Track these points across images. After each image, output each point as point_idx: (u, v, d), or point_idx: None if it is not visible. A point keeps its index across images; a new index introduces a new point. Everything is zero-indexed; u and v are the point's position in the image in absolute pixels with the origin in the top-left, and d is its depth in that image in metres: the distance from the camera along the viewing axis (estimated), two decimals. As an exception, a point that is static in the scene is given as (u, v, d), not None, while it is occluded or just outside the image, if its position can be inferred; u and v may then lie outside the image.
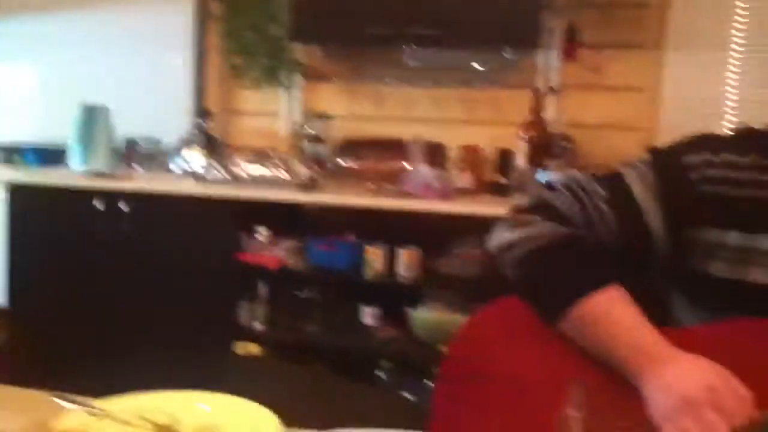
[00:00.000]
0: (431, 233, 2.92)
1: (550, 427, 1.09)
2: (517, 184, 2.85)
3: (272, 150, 3.18)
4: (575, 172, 1.27)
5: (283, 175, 2.98)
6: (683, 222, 1.15)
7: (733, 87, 2.91)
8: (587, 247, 1.17)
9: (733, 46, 2.91)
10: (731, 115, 2.89)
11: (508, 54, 3.10)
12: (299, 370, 2.86)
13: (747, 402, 0.98)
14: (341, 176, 3.13)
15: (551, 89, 3.02)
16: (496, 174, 2.99)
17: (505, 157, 2.98)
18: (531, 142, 2.86)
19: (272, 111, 3.47)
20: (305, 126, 3.28)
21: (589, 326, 1.10)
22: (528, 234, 1.19)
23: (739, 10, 2.90)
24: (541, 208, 1.21)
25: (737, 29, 2.91)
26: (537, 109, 2.91)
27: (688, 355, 1.03)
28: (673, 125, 2.88)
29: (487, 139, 3.10)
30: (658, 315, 1.17)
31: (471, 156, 3.04)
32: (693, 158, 1.16)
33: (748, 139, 1.18)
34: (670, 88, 2.98)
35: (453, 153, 3.11)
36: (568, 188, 1.22)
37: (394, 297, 3.01)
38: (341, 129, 3.29)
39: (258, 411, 1.05)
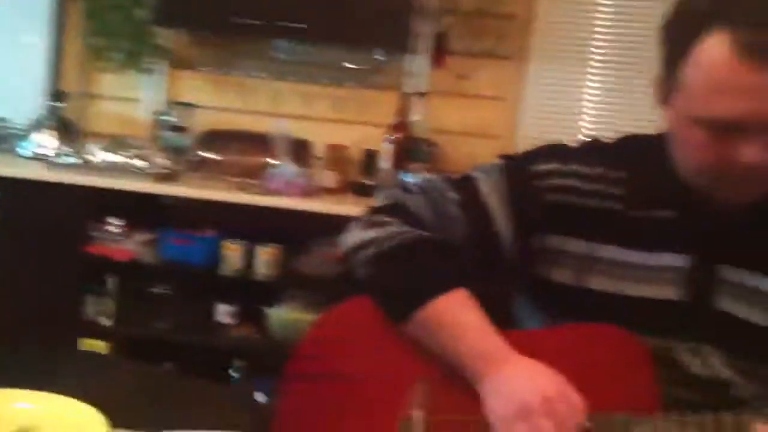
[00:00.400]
0: (292, 231, 2.88)
1: (394, 426, 1.09)
2: (380, 186, 2.85)
3: (130, 138, 3.04)
4: (431, 176, 1.27)
5: (139, 163, 2.85)
6: (530, 228, 1.17)
7: (590, 99, 3.04)
8: (437, 250, 1.17)
9: (592, 59, 3.04)
10: (588, 126, 3.01)
11: (378, 55, 3.10)
12: (146, 369, 2.74)
13: (579, 409, 0.99)
14: (202, 168, 3.03)
15: (418, 93, 3.04)
16: (360, 174, 2.99)
17: (370, 158, 2.98)
18: (396, 144, 2.87)
19: (133, 97, 3.31)
20: (166, 114, 3.15)
21: (434, 329, 1.10)
22: (379, 235, 1.18)
23: (598, 26, 3.03)
24: (395, 210, 1.21)
25: (596, 44, 3.03)
26: (403, 112, 2.92)
27: (526, 359, 1.05)
28: (532, 135, 2.98)
29: (354, 138, 3.09)
30: (504, 317, 1.18)
31: (337, 155, 3.02)
32: (542, 167, 1.18)
33: (596, 151, 1.21)
34: (531, 98, 3.08)
35: (319, 151, 3.08)
36: (423, 191, 1.22)
37: (251, 295, 2.95)
38: (205, 120, 3.17)
39: (84, 410, 1.00)
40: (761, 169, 1.00)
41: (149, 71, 3.26)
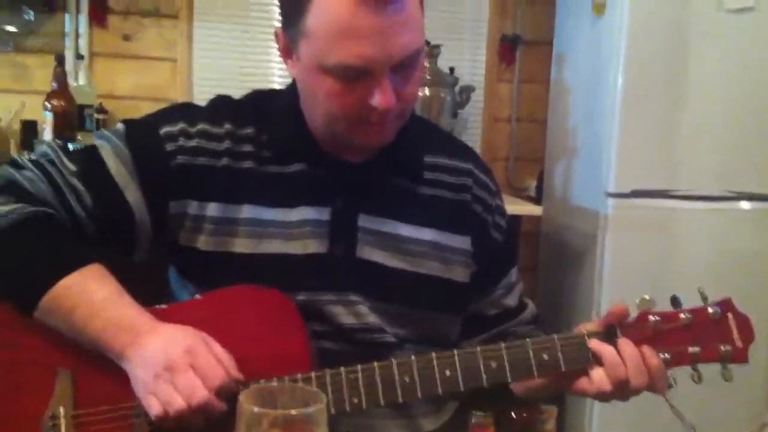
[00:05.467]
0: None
1: (36, 425, 0.99)
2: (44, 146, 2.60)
3: None
4: (45, 146, 1.14)
5: None
6: (163, 195, 1.12)
7: (252, 58, 3.01)
8: (58, 226, 1.07)
9: (252, 18, 3.00)
10: (257, 86, 2.96)
11: (28, 15, 2.81)
12: None
13: (225, 362, 0.97)
14: None
15: (78, 55, 2.81)
16: (19, 149, 2.71)
17: (29, 130, 2.71)
18: (57, 112, 2.64)
19: None
20: None
21: (65, 310, 1.01)
22: None
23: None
24: (5, 190, 1.08)
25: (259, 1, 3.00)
26: (62, 76, 2.68)
27: (169, 325, 1.00)
28: (209, 95, 2.88)
29: (9, 109, 2.79)
30: (153, 293, 1.12)
31: (-12, 128, 2.70)
32: (169, 129, 1.13)
33: (224, 108, 1.18)
34: (201, 59, 2.99)
35: (-32, 125, 2.74)
36: (37, 165, 1.10)
37: None
38: None
39: None
40: (392, 112, 1.04)
41: None
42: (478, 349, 1.03)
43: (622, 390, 1.02)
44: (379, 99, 1.02)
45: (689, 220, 2.66)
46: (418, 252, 1.16)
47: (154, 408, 0.94)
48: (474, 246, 1.20)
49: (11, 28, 2.83)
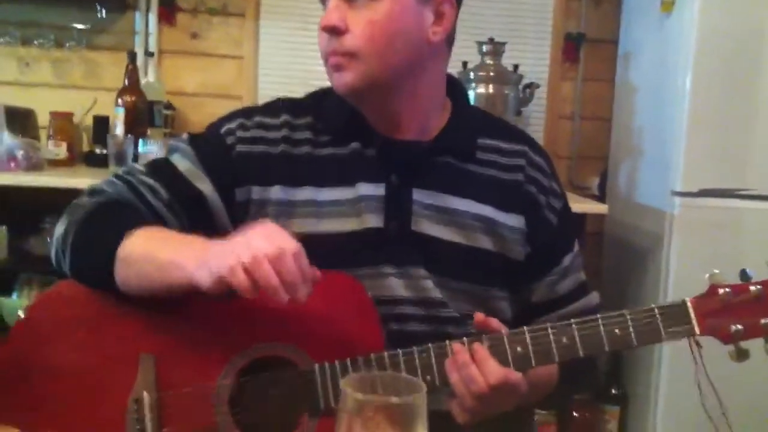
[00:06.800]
0: (19, 210, 2.63)
1: (122, 410, 1.03)
2: (115, 154, 2.68)
3: None
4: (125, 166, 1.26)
5: None
6: (230, 184, 1.17)
7: (317, 54, 3.02)
8: (129, 206, 1.14)
9: (317, 15, 3.02)
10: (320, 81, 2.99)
11: (100, 14, 2.89)
12: None
13: (310, 275, 0.96)
14: None
15: (148, 53, 2.89)
16: (92, 143, 2.79)
17: (101, 125, 2.79)
18: (128, 108, 2.71)
19: None
20: None
21: (139, 256, 1.04)
22: (72, 218, 1.13)
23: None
24: (89, 195, 1.18)
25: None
26: (133, 74, 2.76)
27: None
28: (275, 93, 2.92)
29: (82, 105, 2.87)
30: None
31: (63, 123, 2.78)
32: (228, 125, 1.21)
33: (281, 103, 1.25)
34: (268, 56, 3.04)
35: (43, 120, 2.83)
36: (115, 176, 1.20)
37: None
38: None
39: None
40: (343, 46, 1.11)
41: None
42: (548, 326, 1.03)
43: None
44: (323, 21, 1.11)
45: (757, 219, 2.61)
46: (473, 226, 1.18)
47: (236, 264, 0.92)
48: (528, 226, 1.21)
49: (83, 26, 2.92)
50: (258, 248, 0.93)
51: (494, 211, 1.19)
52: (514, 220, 1.20)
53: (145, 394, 1.04)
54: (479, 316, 1.05)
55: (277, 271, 0.92)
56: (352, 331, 1.06)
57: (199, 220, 1.15)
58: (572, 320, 1.04)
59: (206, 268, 0.95)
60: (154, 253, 1.02)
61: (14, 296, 2.66)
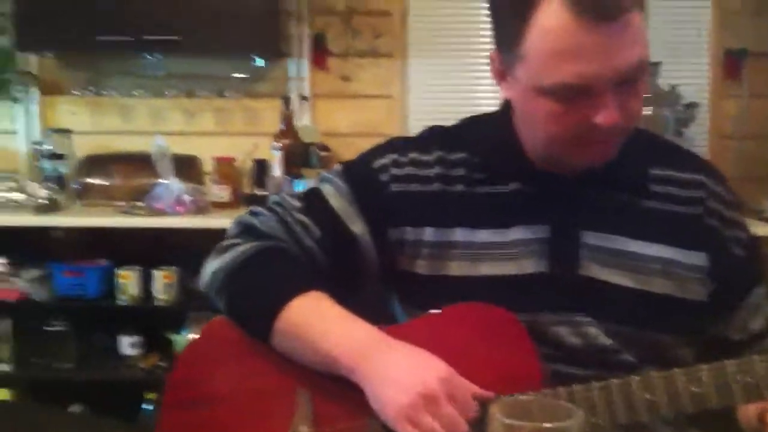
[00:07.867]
0: (187, 251, 2.79)
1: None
2: (273, 195, 2.79)
3: (5, 171, 2.90)
4: (275, 195, 1.24)
5: (16, 196, 2.72)
6: (383, 223, 1.15)
7: (473, 91, 3.04)
8: (288, 256, 1.14)
9: (470, 48, 3.04)
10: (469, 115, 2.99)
11: (257, 63, 3.05)
12: (55, 413, 2.61)
13: (472, 392, 0.96)
14: (87, 196, 2.91)
15: (302, 97, 3.00)
16: (252, 185, 2.92)
17: (260, 168, 2.92)
18: (285, 151, 2.82)
19: (7, 129, 3.16)
20: (43, 143, 3.01)
21: (297, 334, 1.05)
22: (228, 258, 1.14)
23: (470, 14, 3.03)
24: (242, 233, 1.18)
25: (471, 33, 3.04)
26: (289, 117, 2.87)
27: (401, 343, 1.01)
28: (419, 129, 2.95)
29: (242, 149, 3.02)
30: (381, 320, 1.15)
31: (226, 168, 2.94)
32: (381, 161, 1.18)
33: (434, 137, 1.20)
34: (416, 94, 3.08)
35: (207, 165, 3.00)
36: (269, 209, 1.20)
37: (153, 322, 2.84)
38: (85, 145, 3.04)
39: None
40: (617, 129, 1.01)
41: (20, 100, 3.10)
42: (726, 363, 0.96)
43: None
44: (603, 117, 0.99)
45: None
46: (648, 269, 1.10)
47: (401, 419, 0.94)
48: (711, 262, 1.12)
49: (241, 75, 3.08)
50: (413, 393, 0.94)
51: (672, 249, 1.10)
52: (694, 258, 1.11)
53: (304, 429, 1.05)
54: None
55: (434, 415, 0.93)
56: (509, 368, 1.01)
57: (348, 259, 1.15)
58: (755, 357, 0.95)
59: (373, 386, 0.98)
60: (312, 337, 1.04)
61: (184, 333, 2.81)
